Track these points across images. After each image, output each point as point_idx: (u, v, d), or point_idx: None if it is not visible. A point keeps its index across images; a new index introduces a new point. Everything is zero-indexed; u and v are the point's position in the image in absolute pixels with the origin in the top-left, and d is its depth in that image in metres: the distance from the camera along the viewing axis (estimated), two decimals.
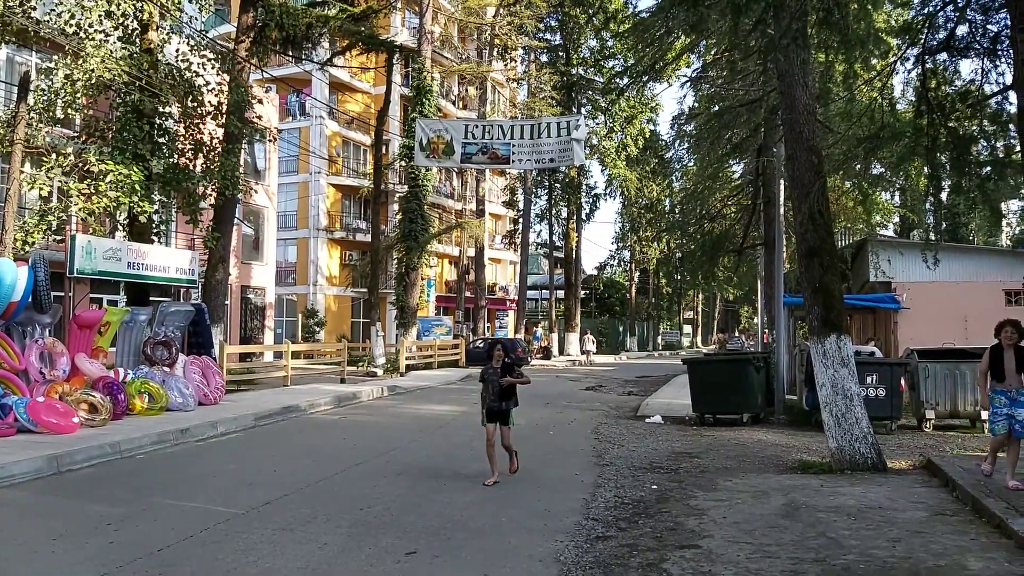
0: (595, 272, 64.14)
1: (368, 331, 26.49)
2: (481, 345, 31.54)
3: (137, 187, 14.37)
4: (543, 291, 52.94)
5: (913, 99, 10.62)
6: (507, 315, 46.14)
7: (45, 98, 14.58)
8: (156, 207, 16.22)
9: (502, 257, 48.20)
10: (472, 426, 13.19)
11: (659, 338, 61.66)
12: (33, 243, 13.67)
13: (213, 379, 14.97)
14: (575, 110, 36.99)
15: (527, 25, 35.30)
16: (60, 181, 14.24)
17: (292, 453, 10.46)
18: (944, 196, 11.74)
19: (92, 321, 13.62)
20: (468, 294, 38.26)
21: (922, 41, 8.91)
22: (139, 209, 14.72)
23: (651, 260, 55.99)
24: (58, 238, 16.86)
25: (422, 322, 30.72)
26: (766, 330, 20.61)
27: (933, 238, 17.45)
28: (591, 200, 47.26)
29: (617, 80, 19.74)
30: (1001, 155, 8.91)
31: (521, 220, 41.91)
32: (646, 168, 45.03)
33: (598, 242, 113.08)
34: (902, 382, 12.89)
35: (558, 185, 42.47)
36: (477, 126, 16.46)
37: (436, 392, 20.11)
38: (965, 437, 12.20)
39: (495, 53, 36.87)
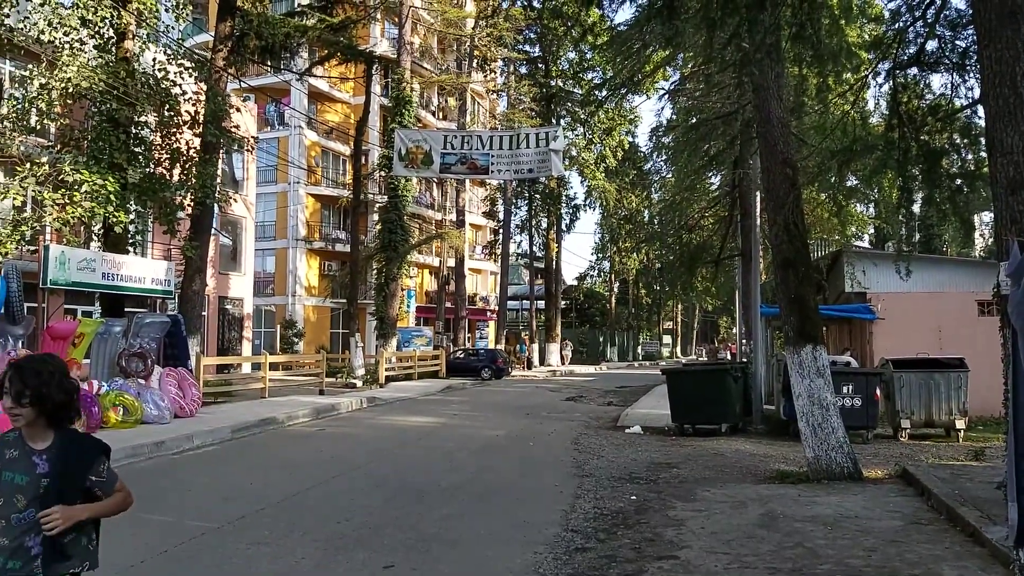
0: (575, 283, 64.33)
1: (347, 342, 26.29)
2: (462, 356, 31.45)
3: (112, 197, 14.18)
4: (524, 301, 52.97)
5: (885, 112, 10.77)
6: (487, 325, 46.10)
7: (19, 107, 14.36)
8: (132, 217, 16.01)
9: (483, 268, 48.19)
10: (451, 438, 13.19)
11: (639, 348, 61.81)
12: (6, 253, 13.44)
13: (189, 391, 14.79)
14: (554, 121, 37.15)
15: (506, 37, 35.44)
16: (34, 191, 14.02)
17: (269, 466, 10.35)
18: (916, 208, 11.94)
19: (66, 332, 13.42)
20: (448, 304, 38.19)
21: (893, 56, 9.06)
22: (114, 219, 14.52)
23: (631, 271, 56.36)
24: (32, 248, 16.61)
25: (402, 333, 30.54)
26: (744, 340, 20.70)
27: (906, 249, 17.69)
28: (571, 211, 47.63)
29: (596, 92, 19.93)
30: (971, 168, 9.06)
31: (501, 231, 42.13)
32: (625, 179, 45.34)
33: (578, 252, 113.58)
34: (877, 392, 13.01)
35: (538, 196, 42.63)
36: (456, 136, 16.47)
37: (416, 403, 20.00)
38: (940, 446, 12.33)
39: (475, 64, 36.97)
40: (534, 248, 45.46)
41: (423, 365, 29.00)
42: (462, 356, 31.83)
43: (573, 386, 27.78)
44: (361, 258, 28.71)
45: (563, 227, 46.18)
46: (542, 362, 42.07)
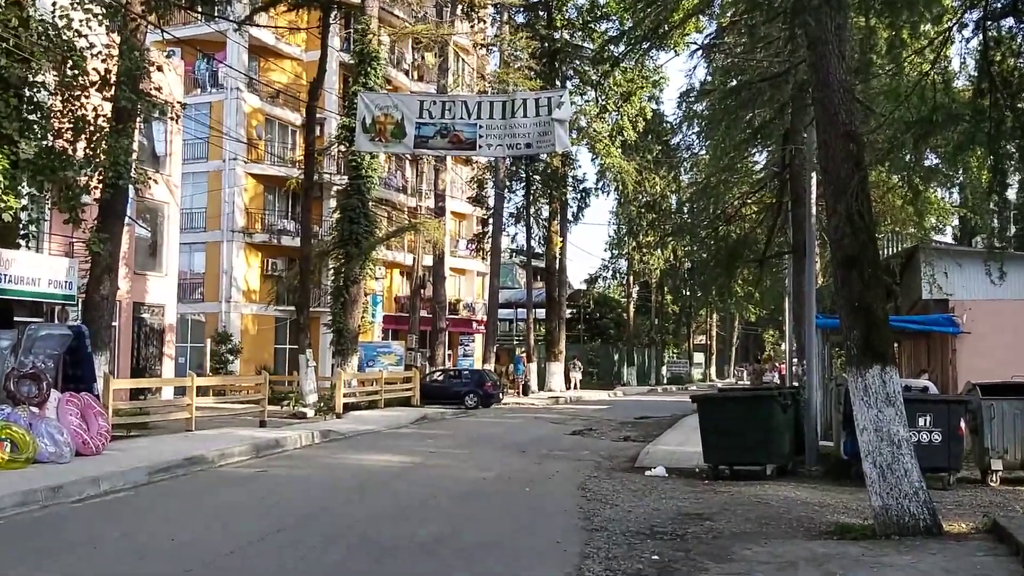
0: (584, 286, 64.40)
1: (295, 361, 26.26)
2: (441, 378, 31.52)
3: (0, 177, 14.12)
4: (519, 310, 53.27)
5: (973, 74, 10.84)
6: (473, 340, 46.36)
7: None
8: (24, 203, 15.94)
9: (467, 267, 48.39)
10: (427, 481, 13.21)
11: (664, 369, 62.18)
12: None
13: (95, 422, 14.75)
14: (559, 84, 37.19)
15: None
16: None
17: (196, 517, 10.32)
18: (1011, 194, 12.01)
19: None
20: (424, 313, 38.27)
21: (983, 3, 9.09)
22: (2, 205, 14.46)
23: (654, 271, 56.60)
24: None
25: (365, 349, 30.61)
26: (795, 359, 20.80)
27: (998, 246, 17.78)
28: (579, 196, 47.77)
29: (611, 47, 19.91)
30: None
31: (491, 221, 42.22)
32: (647, 157, 45.43)
33: (588, 249, 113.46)
34: (962, 424, 12.99)
35: (537, 177, 42.74)
36: (435, 102, 16.53)
37: (382, 438, 20.05)
38: None
39: (459, 12, 36.98)
40: (533, 243, 45.64)
41: (391, 390, 29.14)
42: (441, 379, 32.08)
43: (581, 416, 27.95)
44: (314, 255, 28.81)
45: (569, 217, 46.39)
46: (542, 386, 42.39)
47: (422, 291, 38.81)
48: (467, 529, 9.72)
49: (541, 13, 40.93)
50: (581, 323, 58.21)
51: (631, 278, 59.24)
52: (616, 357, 55.12)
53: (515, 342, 52.60)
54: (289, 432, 18.83)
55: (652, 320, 62.18)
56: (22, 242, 16.97)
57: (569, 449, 18.29)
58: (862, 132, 10.67)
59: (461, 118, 15.92)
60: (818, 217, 15.99)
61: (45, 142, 16.00)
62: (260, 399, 22.24)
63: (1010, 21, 9.23)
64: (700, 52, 22.02)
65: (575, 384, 44.20)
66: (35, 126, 15.85)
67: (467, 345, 45.26)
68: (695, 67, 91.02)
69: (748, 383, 50.46)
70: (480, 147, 16.18)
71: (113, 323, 19.81)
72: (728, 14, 20.08)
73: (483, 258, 45.64)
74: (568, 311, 50.17)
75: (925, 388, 14.70)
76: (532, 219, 45.06)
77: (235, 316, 35.49)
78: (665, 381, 59.96)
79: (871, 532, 9.23)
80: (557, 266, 44.60)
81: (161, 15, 20.41)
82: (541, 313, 49.16)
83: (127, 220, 19.64)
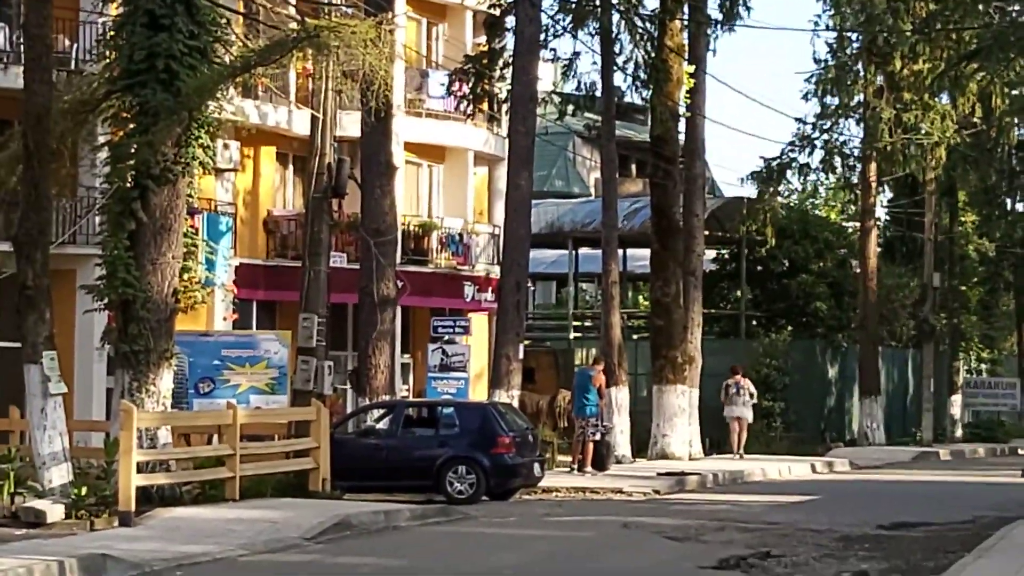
0: (752, 187, 57.15)
1: (15, 383, 24.16)
2: (386, 426, 31.26)
3: None
4: (585, 251, 50.06)
5: None
6: (467, 328, 42.12)
7: None
8: None
9: (450, 142, 47.57)
10: None
11: (956, 401, 59.11)
12: None
13: None
14: None
15: None
16: None
17: None
18: None
19: None
20: (339, 260, 35.29)
21: None
22: None
23: (928, 152, 50.47)
24: None
25: (194, 350, 29.66)
26: None
27: None
28: None
29: None
30: None
31: (515, 23, 37.82)
32: None
33: (756, 93, 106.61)
34: None
35: None
36: None
37: None
38: None
39: None
40: (618, 79, 41.82)
41: (260, 455, 27.86)
42: (386, 427, 31.24)
43: (742, 521, 25.50)
44: (61, 109, 25.55)
45: (713, 13, 43.75)
46: (642, 448, 41.54)
47: (336, 204, 34.49)
48: None
49: None
50: (743, 285, 55.73)
51: (871, 168, 52.82)
52: (833, 372, 51.39)
53: (573, 336, 47.90)
54: (3, 560, 16.53)
55: (927, 277, 57.14)
56: None
57: None
58: None
59: None
60: None
61: None
62: None
63: None
64: None
65: (736, 441, 42.61)
66: None
67: (451, 341, 40.92)
68: None
69: None
70: None
71: None
72: None
73: (489, 121, 43.11)
74: (710, 254, 47.32)
75: None
76: (615, 24, 40.52)
77: None
78: (959, 432, 58.04)
79: None
80: (683, 140, 41.73)
81: None
82: (639, 259, 45.17)
83: None
